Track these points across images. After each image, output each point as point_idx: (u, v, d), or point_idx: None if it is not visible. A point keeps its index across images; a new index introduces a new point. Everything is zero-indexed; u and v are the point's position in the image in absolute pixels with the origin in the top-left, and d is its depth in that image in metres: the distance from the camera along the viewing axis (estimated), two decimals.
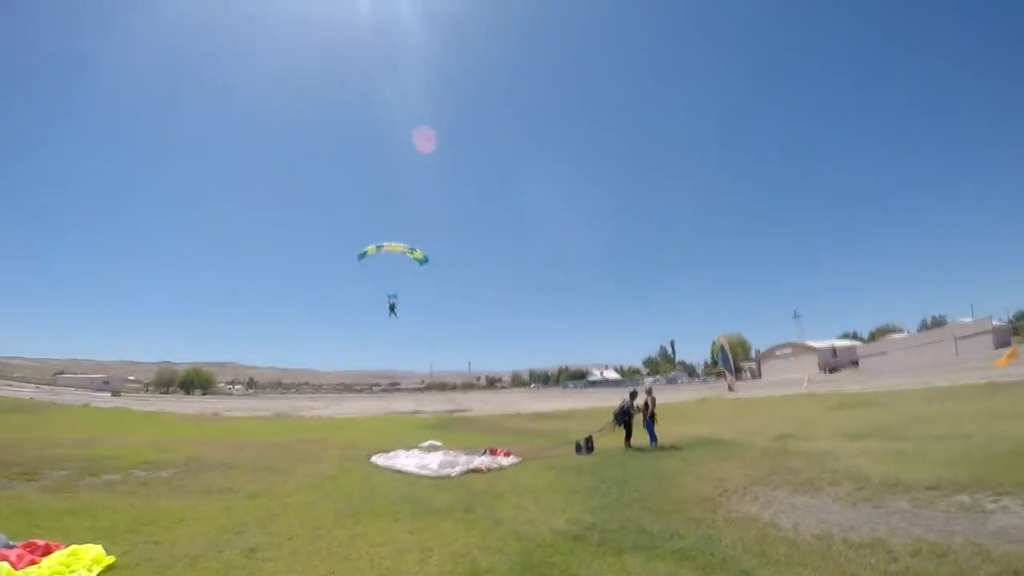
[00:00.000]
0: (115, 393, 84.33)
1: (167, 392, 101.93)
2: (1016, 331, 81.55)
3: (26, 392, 64.10)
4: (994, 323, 78.63)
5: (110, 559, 6.97)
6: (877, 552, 6.98)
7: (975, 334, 75.63)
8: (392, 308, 42.17)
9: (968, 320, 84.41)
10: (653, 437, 17.82)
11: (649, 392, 18.75)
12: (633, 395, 19.03)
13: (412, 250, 36.19)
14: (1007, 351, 49.04)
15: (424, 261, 37.62)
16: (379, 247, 35.46)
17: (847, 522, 8.44)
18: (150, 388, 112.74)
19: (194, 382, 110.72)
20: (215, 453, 17.01)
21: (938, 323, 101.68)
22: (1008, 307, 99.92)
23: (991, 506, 8.35)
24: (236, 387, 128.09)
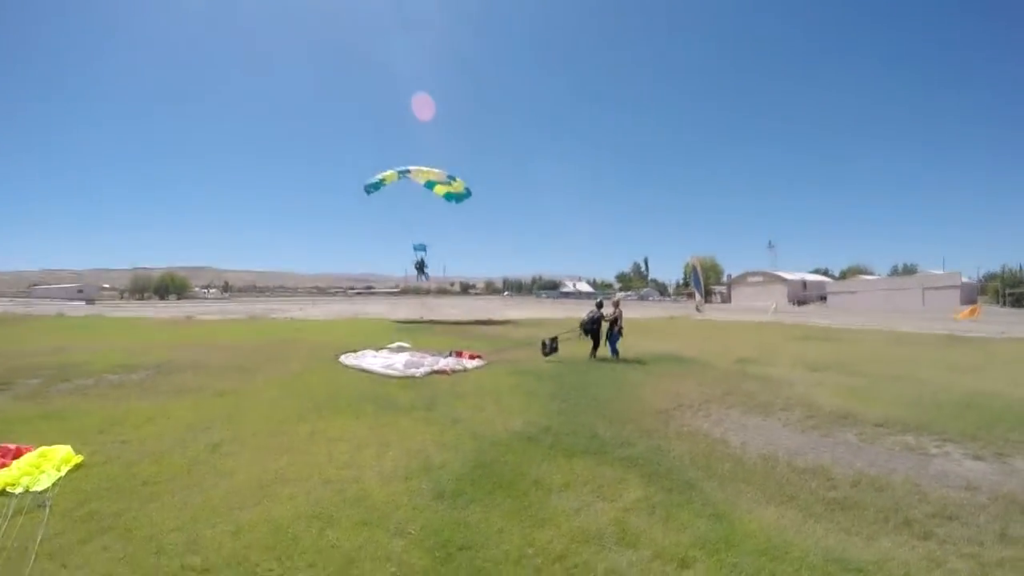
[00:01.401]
0: (90, 301, 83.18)
1: (142, 298, 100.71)
2: (983, 290, 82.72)
3: None
4: (963, 279, 79.71)
5: (79, 458, 7.16)
6: (818, 478, 7.19)
7: (944, 287, 76.81)
8: (421, 267, 39.01)
9: (939, 272, 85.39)
10: (614, 350, 18.02)
11: (616, 305, 18.84)
12: (600, 305, 19.14)
13: (450, 180, 34.08)
14: (970, 307, 50.05)
15: (464, 196, 34.87)
16: (402, 173, 32.77)
17: (794, 447, 8.67)
18: (125, 295, 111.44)
19: (169, 287, 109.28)
20: (187, 355, 17.03)
21: (909, 271, 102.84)
22: (980, 267, 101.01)
23: (934, 450, 8.56)
24: (211, 291, 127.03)
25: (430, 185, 34.24)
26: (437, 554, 4.95)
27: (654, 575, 4.74)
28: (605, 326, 18.29)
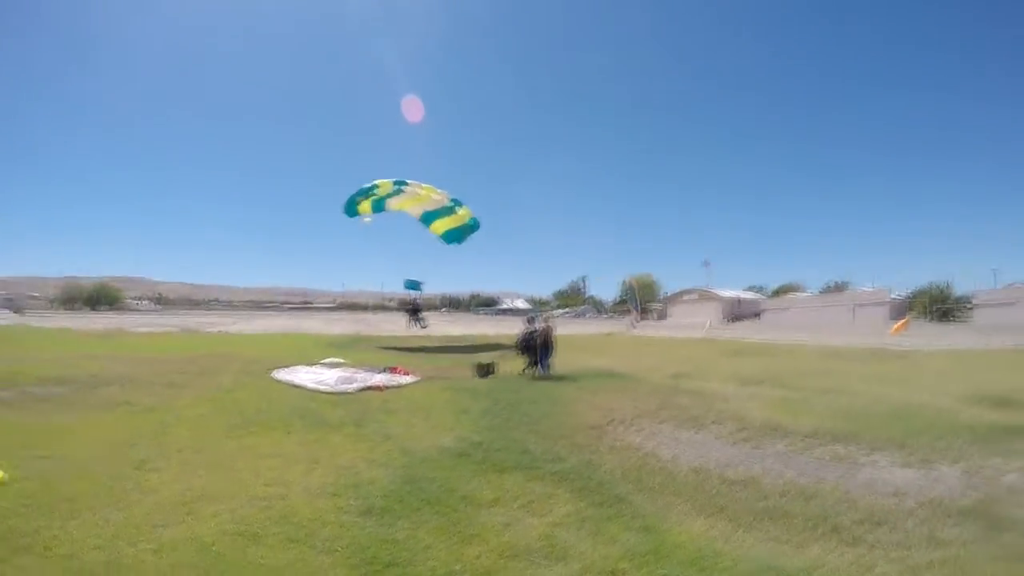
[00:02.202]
0: (17, 311, 79.21)
1: (72, 309, 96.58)
2: (911, 306, 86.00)
3: None
4: (892, 296, 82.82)
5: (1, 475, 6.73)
6: (749, 489, 7.31)
7: (873, 303, 79.57)
8: (415, 310, 34.52)
9: (868, 289, 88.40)
10: (544, 365, 18.01)
11: (546, 321, 18.88)
12: (531, 321, 19.16)
13: (453, 208, 27.13)
14: (900, 322, 51.98)
15: (469, 230, 28.42)
16: (393, 194, 25.79)
17: (725, 459, 8.78)
18: (55, 305, 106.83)
19: (101, 298, 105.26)
20: (116, 368, 16.31)
21: (840, 288, 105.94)
22: (907, 284, 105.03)
23: (863, 459, 8.79)
24: (144, 303, 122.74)
25: (427, 219, 27.36)
26: (363, 571, 4.85)
27: None
28: (542, 341, 18.27)
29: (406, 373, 16.93)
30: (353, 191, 26.03)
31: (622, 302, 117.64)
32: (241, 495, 6.51)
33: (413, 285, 32.84)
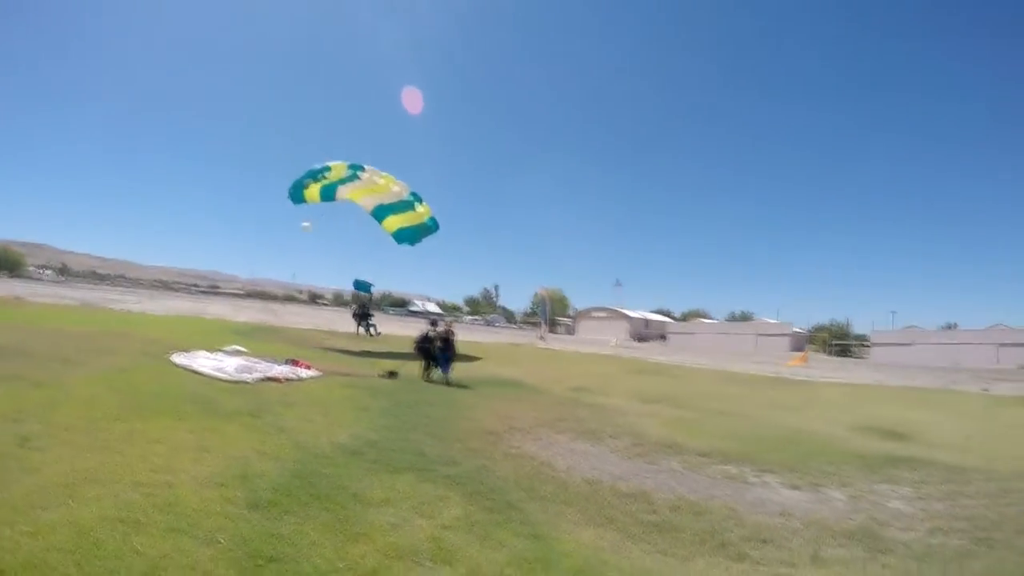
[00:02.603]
0: None
1: None
2: (812, 340, 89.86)
3: None
4: (794, 329, 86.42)
5: None
6: (640, 502, 7.36)
7: (776, 334, 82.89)
8: (364, 314, 31.14)
9: (772, 320, 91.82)
10: (445, 371, 17.87)
11: (449, 326, 18.76)
12: (434, 324, 19.02)
13: (411, 205, 24.02)
14: (800, 354, 54.29)
15: (426, 231, 25.06)
16: (346, 180, 22.91)
17: (619, 472, 8.84)
18: None
19: (1, 263, 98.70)
20: (7, 338, 15.25)
21: (745, 317, 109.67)
22: (808, 320, 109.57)
23: (753, 479, 9.01)
24: (47, 272, 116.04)
25: (379, 214, 24.08)
26: (245, 565, 4.67)
27: None
28: (442, 345, 18.11)
29: (308, 367, 16.54)
30: (300, 173, 23.07)
31: (532, 314, 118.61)
32: (126, 480, 6.20)
33: (362, 286, 30.41)
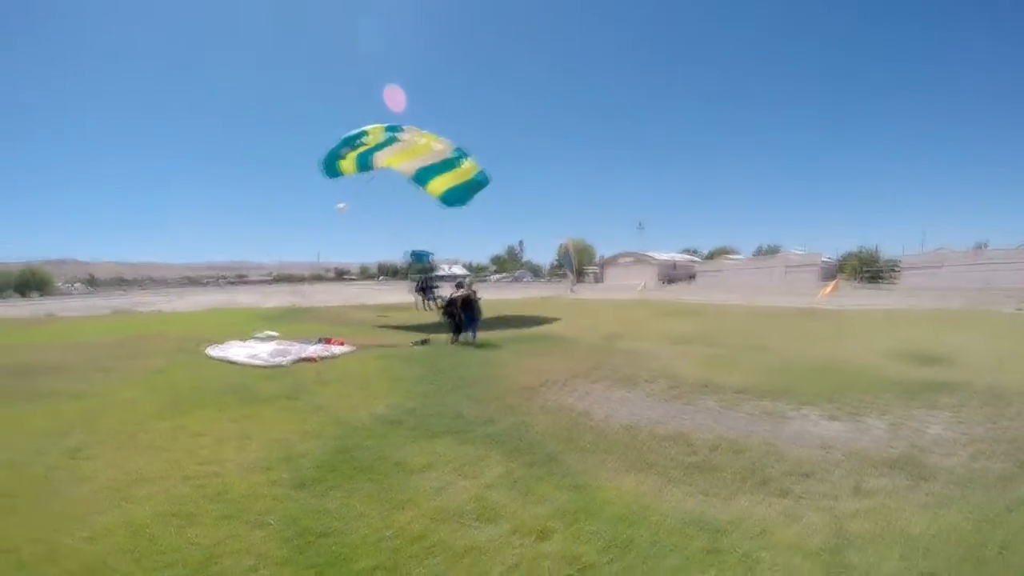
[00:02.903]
0: None
1: (1, 296, 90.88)
2: (842, 269, 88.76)
3: None
4: (823, 259, 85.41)
5: None
6: (679, 444, 7.40)
7: (804, 265, 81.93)
8: (425, 286, 27.89)
9: (800, 252, 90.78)
10: (471, 331, 17.92)
11: (468, 287, 18.75)
12: (459, 285, 19.02)
13: (456, 161, 21.90)
14: (830, 283, 53.77)
15: (477, 186, 22.99)
16: (369, 152, 20.92)
17: (656, 416, 8.88)
18: None
19: (30, 283, 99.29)
20: (44, 356, 15.53)
21: (772, 251, 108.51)
22: (837, 249, 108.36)
23: (791, 413, 8.98)
24: (76, 286, 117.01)
25: (422, 177, 22.27)
26: (296, 543, 4.83)
27: (513, 548, 4.71)
28: (465, 307, 18.15)
29: (340, 343, 16.77)
30: (333, 143, 20.88)
31: (559, 266, 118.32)
32: (175, 475, 6.42)
33: (420, 256, 27.96)
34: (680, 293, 53.30)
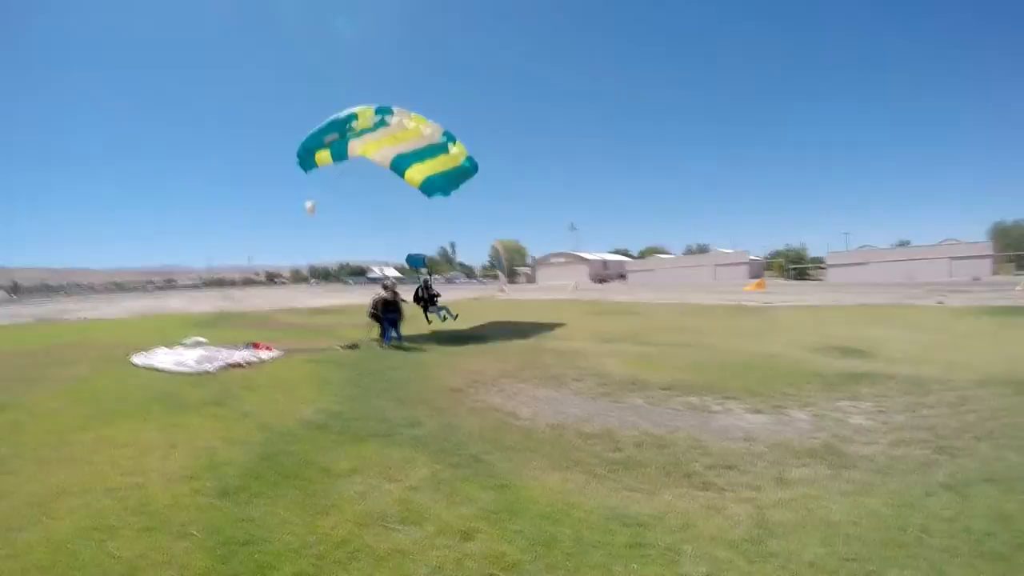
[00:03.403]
0: None
1: None
2: (769, 266, 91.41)
3: None
4: (751, 257, 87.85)
5: None
6: (605, 442, 7.45)
7: (733, 263, 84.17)
8: (429, 298, 22.34)
9: (729, 250, 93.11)
10: (397, 332, 17.79)
11: (389, 288, 18.59)
12: (386, 287, 18.85)
13: (443, 148, 19.73)
14: (756, 280, 55.36)
15: (464, 174, 20.60)
16: (345, 140, 18.26)
17: (583, 414, 8.94)
18: None
19: None
20: None
21: (702, 250, 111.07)
22: (766, 246, 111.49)
23: (716, 407, 9.16)
24: None
25: (400, 165, 19.89)
26: (219, 553, 4.75)
27: (437, 550, 4.71)
28: (387, 308, 18.00)
29: (269, 348, 16.49)
30: (317, 126, 18.17)
31: (491, 267, 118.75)
32: (97, 488, 6.24)
33: (417, 261, 24.34)
34: (611, 292, 53.98)
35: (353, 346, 17.31)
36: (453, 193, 20.80)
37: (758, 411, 8.86)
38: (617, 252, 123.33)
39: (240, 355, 15.24)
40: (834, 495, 5.58)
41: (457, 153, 19.66)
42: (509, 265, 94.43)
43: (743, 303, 31.98)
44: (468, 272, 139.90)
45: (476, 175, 20.70)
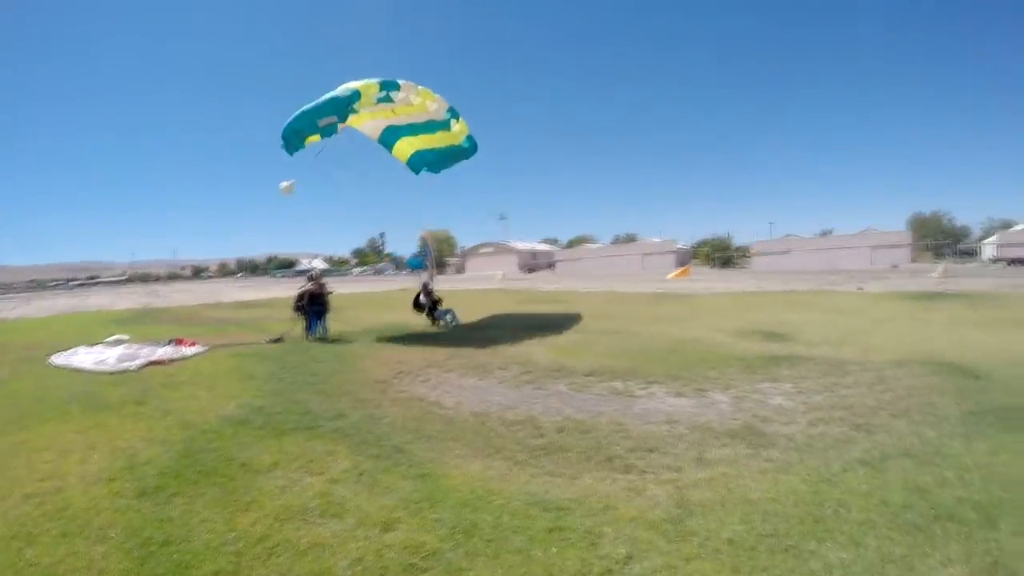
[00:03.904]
0: None
1: None
2: (696, 255, 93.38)
3: None
4: (678, 246, 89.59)
5: None
6: (527, 428, 7.51)
7: (660, 252, 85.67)
8: (432, 304, 19.89)
9: (656, 240, 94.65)
10: (322, 325, 17.56)
11: (315, 280, 18.29)
12: (311, 279, 18.55)
13: (445, 124, 18.22)
14: (681, 268, 56.55)
15: (462, 154, 19.49)
16: (336, 123, 15.51)
17: (507, 402, 9.00)
18: None
19: None
20: None
21: (629, 239, 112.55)
22: (693, 235, 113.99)
23: (639, 392, 9.31)
24: None
25: (388, 139, 18.74)
26: (137, 554, 4.68)
27: (357, 542, 4.69)
28: (311, 301, 17.73)
29: (192, 344, 16.06)
30: (310, 105, 15.23)
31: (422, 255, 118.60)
32: (15, 495, 6.04)
33: (416, 263, 23.30)
34: (540, 281, 54.32)
35: (278, 340, 17.01)
36: (443, 172, 19.89)
37: (680, 394, 9.03)
38: (546, 242, 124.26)
39: (162, 352, 14.89)
40: (753, 473, 5.72)
41: (458, 132, 18.53)
42: (437, 255, 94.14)
43: (669, 291, 32.55)
44: (398, 264, 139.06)
45: (475, 155, 19.65)
